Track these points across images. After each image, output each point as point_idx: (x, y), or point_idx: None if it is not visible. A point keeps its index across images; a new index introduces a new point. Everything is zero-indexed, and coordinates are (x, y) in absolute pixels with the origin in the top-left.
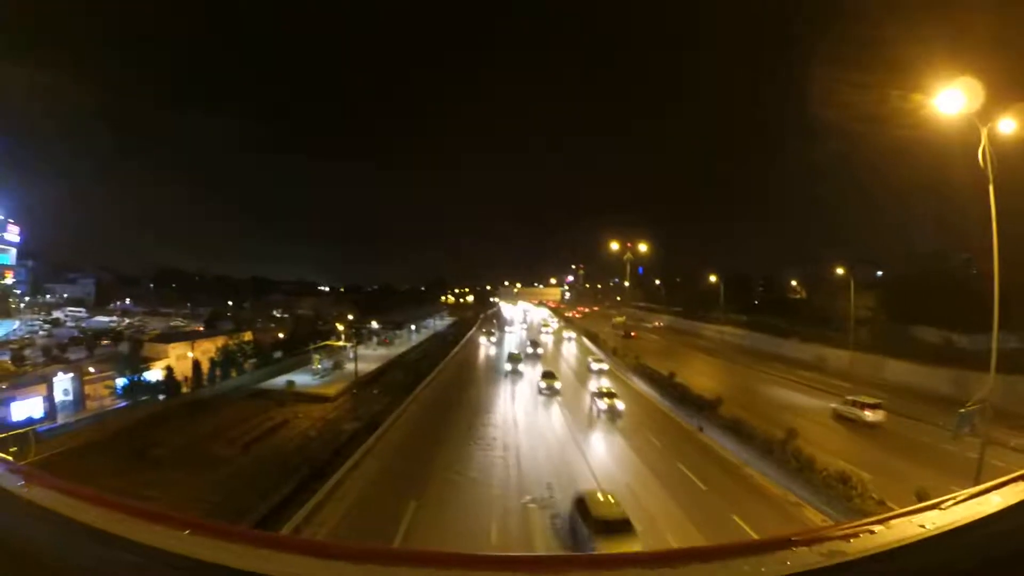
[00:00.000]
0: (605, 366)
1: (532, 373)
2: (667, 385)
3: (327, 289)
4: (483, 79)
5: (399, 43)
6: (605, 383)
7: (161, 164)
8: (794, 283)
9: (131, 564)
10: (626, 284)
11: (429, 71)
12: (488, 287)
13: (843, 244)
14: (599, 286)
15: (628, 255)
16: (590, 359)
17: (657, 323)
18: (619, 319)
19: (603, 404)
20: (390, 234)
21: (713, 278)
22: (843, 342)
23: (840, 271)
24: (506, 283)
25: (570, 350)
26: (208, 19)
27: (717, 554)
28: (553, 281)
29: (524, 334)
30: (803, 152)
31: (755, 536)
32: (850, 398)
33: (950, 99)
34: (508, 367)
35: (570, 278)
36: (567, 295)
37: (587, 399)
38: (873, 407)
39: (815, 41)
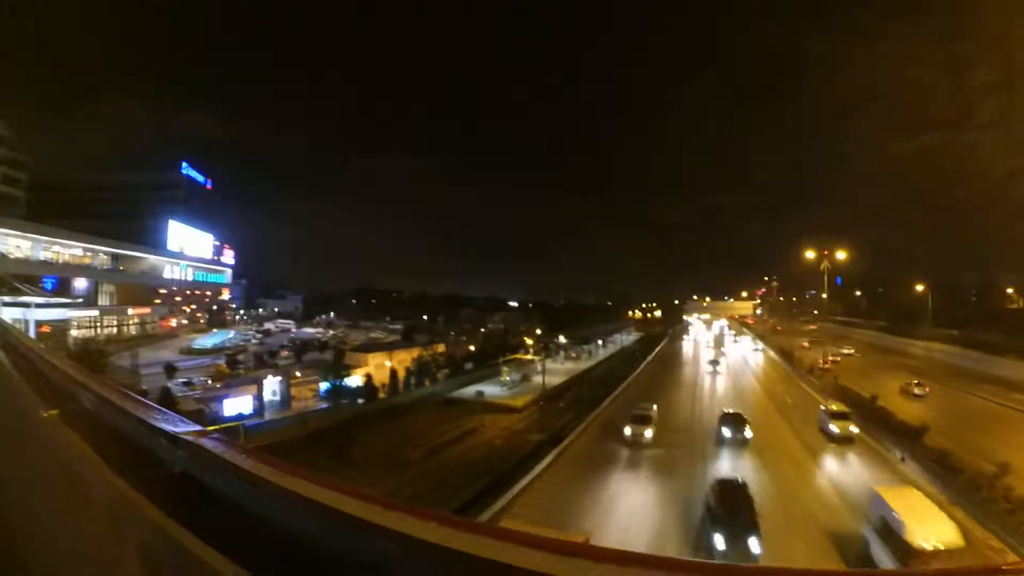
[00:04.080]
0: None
1: None
2: (867, 409)
3: (516, 304)
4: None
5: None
6: None
7: (364, 195)
8: (1010, 291)
9: (386, 549)
10: (823, 296)
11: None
12: (676, 301)
13: None
14: (794, 299)
15: (825, 264)
16: None
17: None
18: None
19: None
20: (579, 250)
21: (920, 287)
22: None
23: None
24: (695, 297)
25: None
26: (408, 81)
27: None
28: (744, 294)
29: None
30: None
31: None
32: None
33: None
34: None
35: (762, 290)
36: (759, 311)
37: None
38: None
39: None
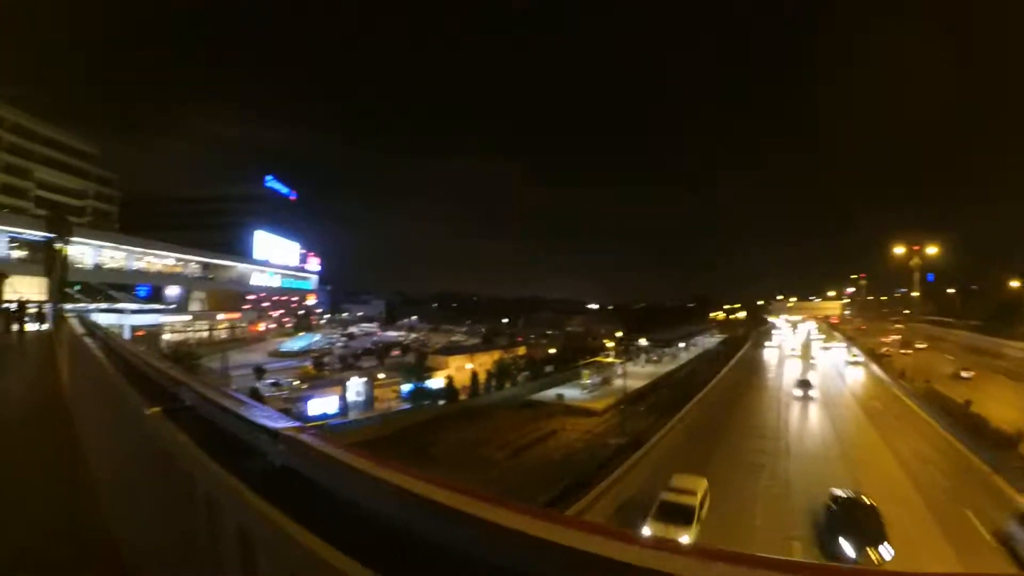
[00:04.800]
0: None
1: None
2: (960, 416)
3: (596, 307)
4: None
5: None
6: None
7: (445, 201)
8: None
9: (478, 537)
10: (914, 294)
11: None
12: (760, 302)
13: None
14: (883, 298)
15: (915, 260)
16: None
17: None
18: None
19: None
20: (659, 251)
21: (1016, 284)
22: None
23: None
24: (779, 297)
25: None
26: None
27: None
28: (832, 294)
29: None
30: None
31: None
32: None
33: None
34: None
35: (850, 289)
36: (847, 311)
37: None
38: None
39: None
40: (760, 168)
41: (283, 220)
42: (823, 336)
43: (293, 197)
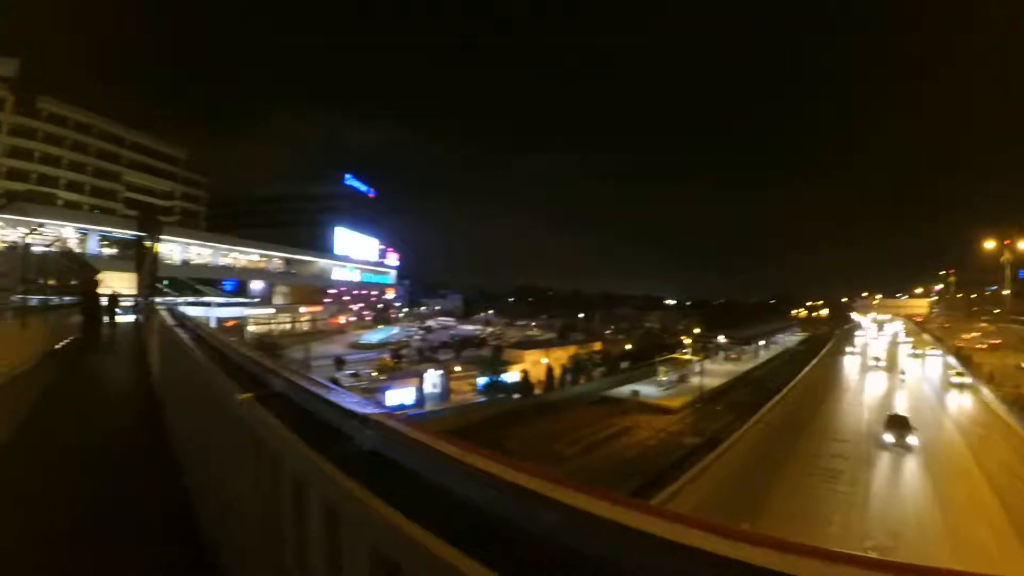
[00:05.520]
0: None
1: None
2: None
3: (673, 303)
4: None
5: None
6: None
7: (521, 197)
8: None
9: (558, 521)
10: (1005, 292)
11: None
12: (844, 299)
13: None
14: (973, 295)
15: (1007, 255)
16: None
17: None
18: None
19: None
20: (739, 247)
21: None
22: None
23: None
24: (864, 294)
25: None
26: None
27: None
28: (919, 291)
29: None
30: None
31: None
32: None
33: None
34: None
35: (938, 286)
36: (935, 309)
37: None
38: None
39: None
40: (851, 164)
41: (363, 217)
42: (911, 339)
43: (372, 194)
